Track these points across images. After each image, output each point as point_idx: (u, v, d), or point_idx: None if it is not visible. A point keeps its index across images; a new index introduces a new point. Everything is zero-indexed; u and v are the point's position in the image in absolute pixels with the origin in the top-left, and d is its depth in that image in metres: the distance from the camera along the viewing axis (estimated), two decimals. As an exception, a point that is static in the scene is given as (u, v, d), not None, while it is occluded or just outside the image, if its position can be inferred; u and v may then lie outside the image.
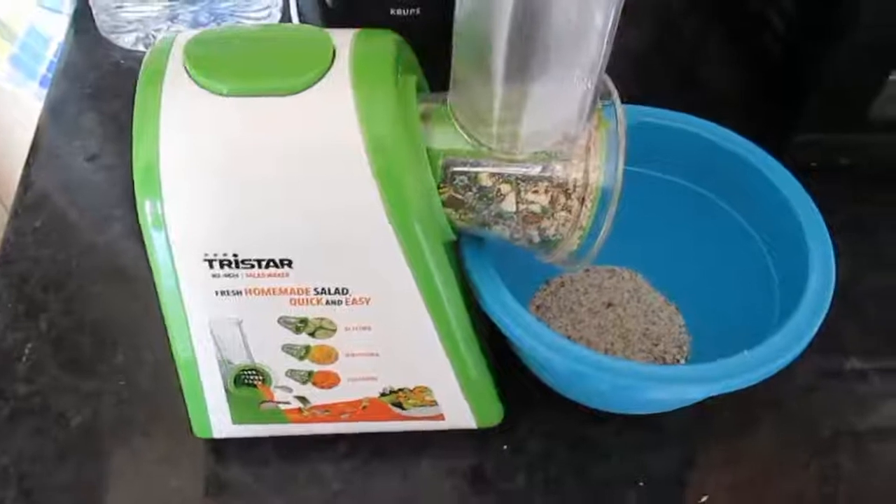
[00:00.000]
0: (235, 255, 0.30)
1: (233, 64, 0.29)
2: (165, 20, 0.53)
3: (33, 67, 0.64)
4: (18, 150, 0.52)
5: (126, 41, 0.55)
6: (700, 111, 0.40)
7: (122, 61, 0.55)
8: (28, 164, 0.50)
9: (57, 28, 0.60)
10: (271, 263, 0.30)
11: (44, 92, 0.56)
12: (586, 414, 0.39)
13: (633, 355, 0.41)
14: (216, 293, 0.31)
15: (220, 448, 0.38)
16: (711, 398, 0.37)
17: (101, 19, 0.54)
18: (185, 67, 0.28)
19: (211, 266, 0.30)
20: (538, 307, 0.42)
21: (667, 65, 0.58)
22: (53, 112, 0.53)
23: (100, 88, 0.54)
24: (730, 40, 0.59)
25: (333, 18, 0.47)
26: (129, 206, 0.48)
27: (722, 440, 0.40)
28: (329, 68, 0.28)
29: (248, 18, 0.55)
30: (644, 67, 0.57)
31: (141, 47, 0.55)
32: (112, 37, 0.55)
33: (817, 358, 0.39)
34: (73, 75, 0.54)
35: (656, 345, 0.41)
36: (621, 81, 0.32)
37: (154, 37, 0.54)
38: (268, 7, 0.55)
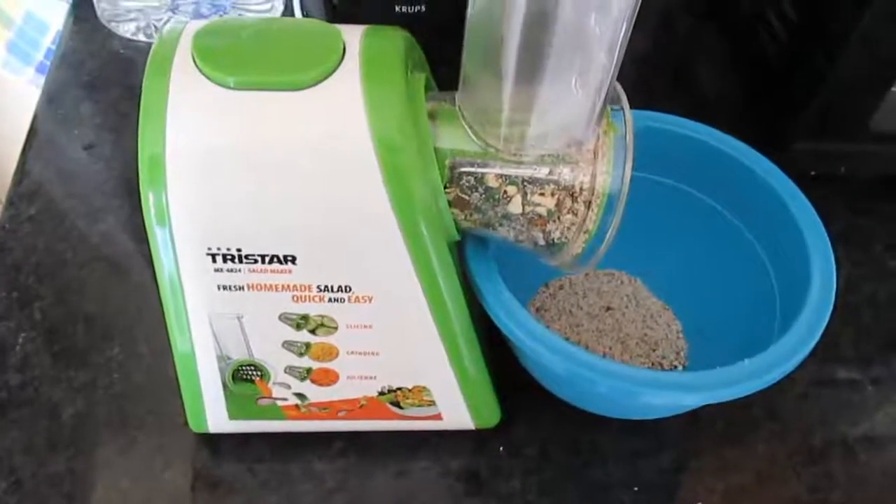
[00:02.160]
0: (239, 250, 0.29)
1: (241, 56, 0.28)
2: (167, 10, 0.53)
3: (30, 54, 0.63)
4: (14, 137, 0.52)
5: (126, 30, 0.54)
6: (697, 115, 0.39)
7: (121, 50, 0.54)
8: (24, 151, 0.49)
9: (55, 15, 0.60)
10: (275, 259, 0.30)
11: (40, 79, 0.55)
12: (583, 418, 0.38)
13: (630, 360, 0.41)
14: (218, 287, 0.30)
15: (215, 443, 0.38)
16: (707, 405, 0.37)
17: (102, 7, 0.54)
18: (193, 58, 0.28)
19: (213, 260, 0.30)
20: (537, 309, 0.42)
21: (663, 68, 0.58)
22: (51, 100, 0.52)
23: (98, 77, 0.53)
24: (728, 43, 0.59)
25: (338, 14, 0.47)
26: (125, 197, 0.48)
27: (716, 447, 0.40)
28: (338, 65, 0.28)
29: (250, 11, 0.54)
30: (641, 70, 0.57)
31: (141, 37, 0.54)
32: (112, 25, 0.54)
33: (812, 366, 0.39)
34: (71, 63, 0.54)
35: (654, 350, 0.41)
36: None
37: (155, 27, 0.54)
38: (270, 0, 0.54)
